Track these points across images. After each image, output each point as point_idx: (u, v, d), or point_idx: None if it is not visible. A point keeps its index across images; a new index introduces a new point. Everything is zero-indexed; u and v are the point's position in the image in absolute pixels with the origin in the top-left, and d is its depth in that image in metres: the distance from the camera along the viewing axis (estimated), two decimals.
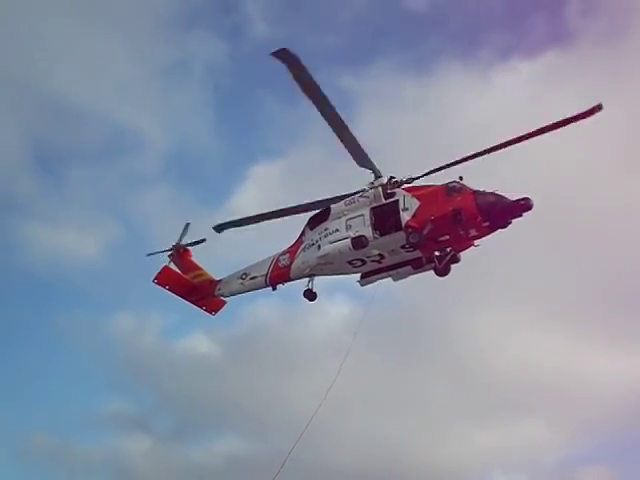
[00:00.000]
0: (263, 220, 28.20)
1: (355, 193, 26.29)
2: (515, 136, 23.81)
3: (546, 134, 23.60)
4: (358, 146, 24.71)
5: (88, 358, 61.61)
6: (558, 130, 23.39)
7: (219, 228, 29.11)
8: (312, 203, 27.30)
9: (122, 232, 62.58)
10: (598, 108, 22.98)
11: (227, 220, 29.10)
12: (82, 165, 64.98)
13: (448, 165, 24.69)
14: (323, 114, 23.70)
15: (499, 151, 24.09)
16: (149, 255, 31.84)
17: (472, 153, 24.22)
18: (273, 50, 21.66)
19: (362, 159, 25.24)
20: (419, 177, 25.63)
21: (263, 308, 54.78)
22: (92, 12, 60.45)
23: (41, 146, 63.25)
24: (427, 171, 25.18)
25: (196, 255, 32.04)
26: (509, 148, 24.04)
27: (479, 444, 54.08)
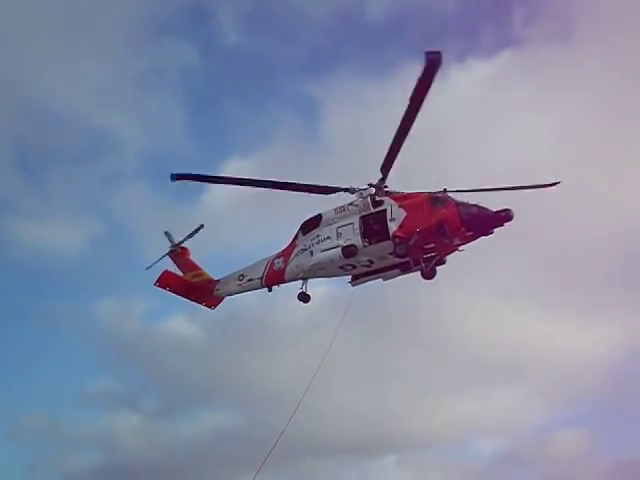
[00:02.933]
0: (225, 183, 28.02)
1: (344, 189, 27.08)
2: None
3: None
4: (396, 157, 24.93)
5: (76, 342, 65.52)
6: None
7: (175, 177, 27.09)
8: (295, 184, 27.01)
9: (103, 226, 66.88)
10: (556, 183, 27.16)
11: (187, 172, 27.06)
12: (63, 165, 68.86)
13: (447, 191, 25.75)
14: (405, 118, 23.33)
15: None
16: (148, 268, 32.41)
17: (456, 189, 25.70)
18: (429, 50, 21.03)
19: (388, 166, 25.50)
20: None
21: None
22: (70, 24, 63.25)
23: (24, 149, 67.34)
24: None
25: None
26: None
27: (459, 411, 57.07)
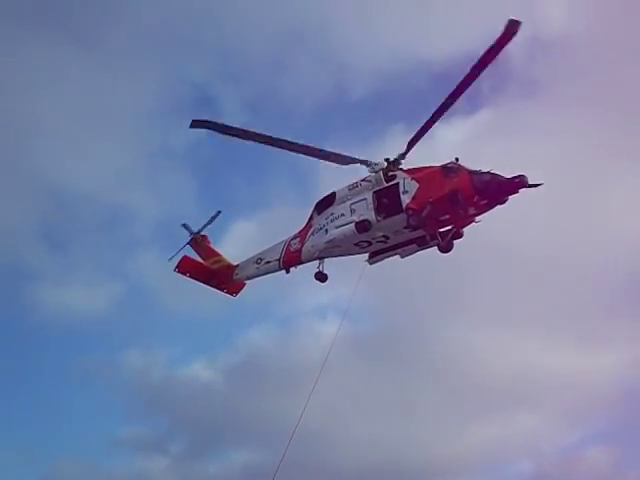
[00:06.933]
0: (247, 138, 26.33)
1: (360, 161, 26.92)
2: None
3: None
4: (430, 128, 24.99)
5: (105, 392, 69.89)
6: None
7: (195, 123, 25.95)
8: (311, 148, 26.60)
9: (123, 288, 72.13)
10: (539, 184, 24.37)
11: (207, 119, 26.11)
12: (83, 236, 76.02)
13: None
14: (461, 86, 23.58)
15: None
16: (170, 260, 32.67)
17: None
18: (512, 17, 21.44)
19: (418, 138, 25.41)
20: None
21: (257, 334, 65.01)
22: (88, 112, 71.98)
23: (47, 223, 74.15)
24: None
25: None
26: None
27: (482, 437, 58.05)
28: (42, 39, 68.93)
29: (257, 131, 26.29)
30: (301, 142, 26.37)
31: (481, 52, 22.80)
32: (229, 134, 26.32)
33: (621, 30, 62.33)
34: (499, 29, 21.90)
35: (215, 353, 67.63)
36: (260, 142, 26.42)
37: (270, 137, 26.17)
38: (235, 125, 26.25)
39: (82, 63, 70.59)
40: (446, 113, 24.30)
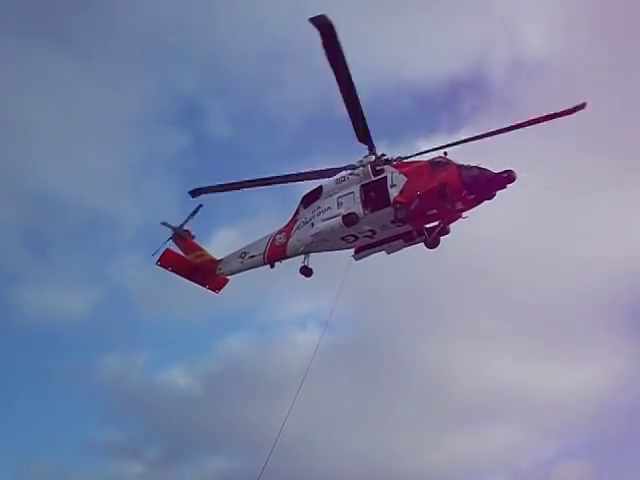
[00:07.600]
0: (246, 187, 27.78)
1: (345, 167, 26.84)
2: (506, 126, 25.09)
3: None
4: (364, 121, 24.77)
5: (81, 396, 69.27)
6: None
7: (195, 192, 28.04)
8: (299, 174, 27.32)
9: (103, 292, 72.01)
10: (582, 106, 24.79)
11: (205, 185, 28.00)
12: (65, 241, 75.77)
13: (436, 149, 25.49)
14: (340, 84, 23.52)
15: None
16: (154, 254, 31.92)
17: (463, 139, 25.48)
18: (311, 17, 21.21)
19: (364, 135, 25.37)
20: (408, 157, 26.34)
21: (237, 341, 64.95)
22: (74, 119, 72.18)
23: (29, 227, 74.14)
24: (416, 152, 25.99)
25: None
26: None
27: (454, 450, 57.69)
28: (33, 46, 69.28)
29: (248, 179, 27.77)
30: (287, 173, 27.45)
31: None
32: (226, 190, 28.00)
33: (599, 53, 63.84)
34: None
35: (194, 359, 67.79)
36: (254, 186, 27.83)
37: (261, 179, 27.48)
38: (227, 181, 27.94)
39: (71, 70, 71.28)
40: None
